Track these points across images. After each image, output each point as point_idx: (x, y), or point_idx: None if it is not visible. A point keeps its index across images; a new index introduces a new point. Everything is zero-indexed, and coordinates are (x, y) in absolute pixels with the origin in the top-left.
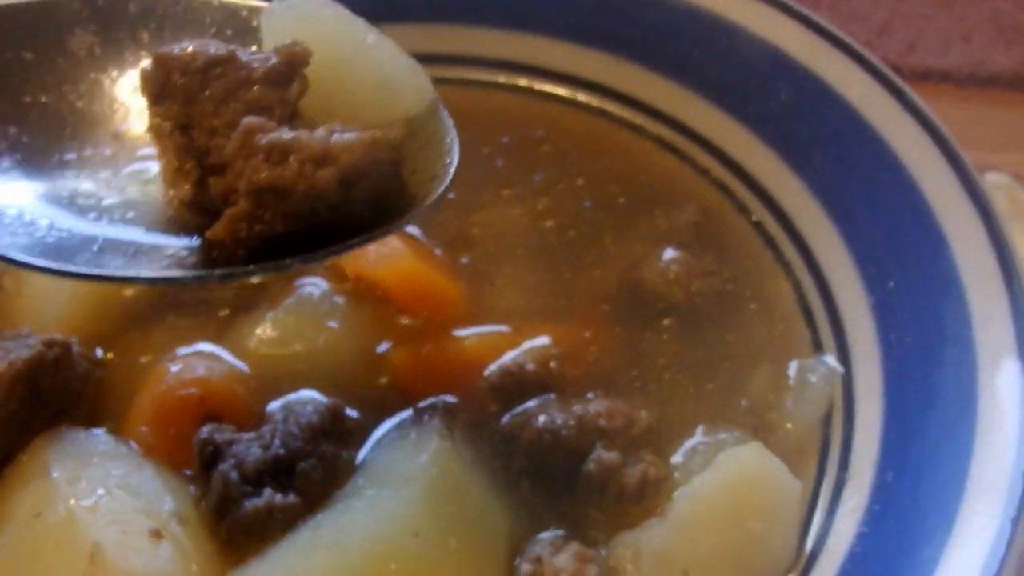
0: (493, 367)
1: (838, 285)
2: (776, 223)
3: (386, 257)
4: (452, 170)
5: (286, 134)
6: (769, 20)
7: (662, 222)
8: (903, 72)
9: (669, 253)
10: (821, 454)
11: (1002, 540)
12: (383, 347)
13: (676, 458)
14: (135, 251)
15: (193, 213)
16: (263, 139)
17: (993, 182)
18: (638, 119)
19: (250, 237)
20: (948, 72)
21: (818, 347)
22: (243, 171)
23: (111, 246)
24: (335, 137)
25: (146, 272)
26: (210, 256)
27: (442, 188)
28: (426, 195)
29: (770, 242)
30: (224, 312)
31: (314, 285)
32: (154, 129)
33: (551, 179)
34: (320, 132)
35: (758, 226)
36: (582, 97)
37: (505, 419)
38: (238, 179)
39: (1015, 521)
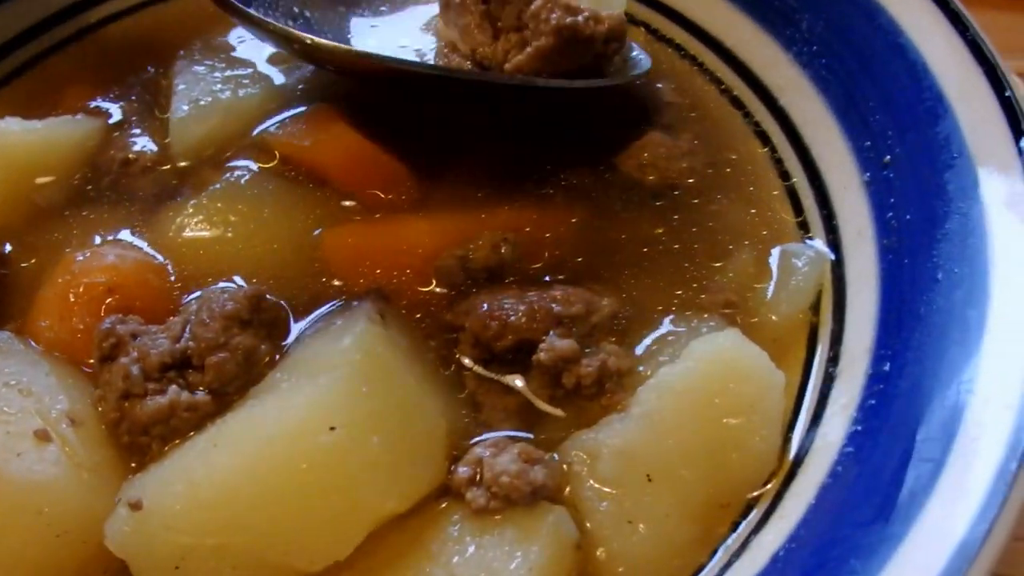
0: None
1: (826, 162)
2: (758, 99)
3: (324, 131)
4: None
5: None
6: None
7: (638, 104)
8: None
9: (646, 136)
10: (808, 347)
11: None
12: (319, 231)
13: (643, 348)
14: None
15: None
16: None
17: None
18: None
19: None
20: None
21: (805, 230)
22: (547, 19)
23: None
24: (604, 11)
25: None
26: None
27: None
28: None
29: (751, 119)
30: (145, 203)
31: (244, 169)
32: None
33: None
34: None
35: (737, 102)
36: None
37: (451, 307)
38: (541, 26)
39: None
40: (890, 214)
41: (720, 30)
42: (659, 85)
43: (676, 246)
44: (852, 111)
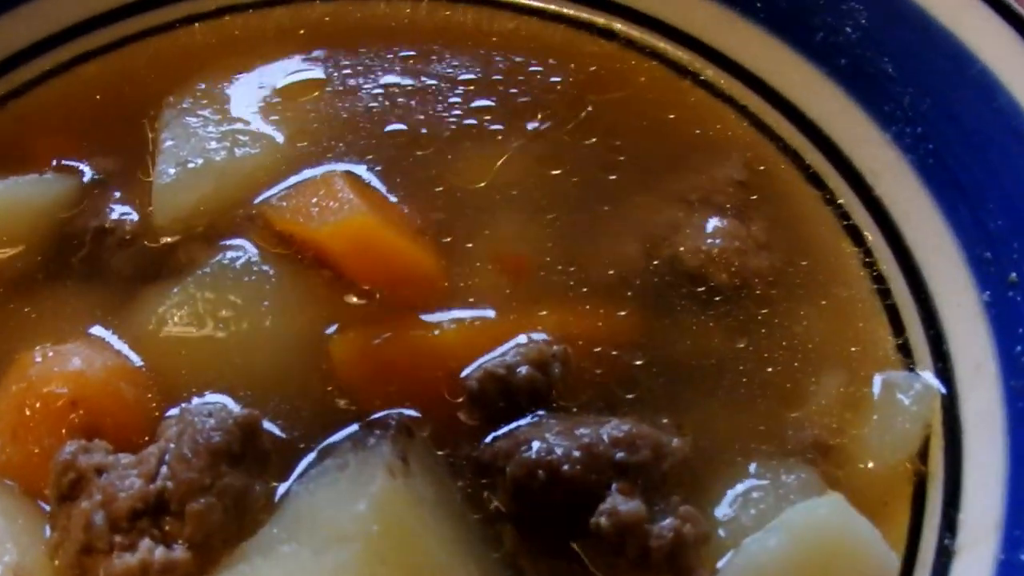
0: (472, 368)
1: (934, 272)
2: (847, 184)
3: (333, 212)
4: None
5: None
6: None
7: (699, 179)
8: None
9: (711, 221)
10: (914, 508)
11: None
12: (326, 334)
13: (722, 508)
14: None
15: None
16: None
17: None
18: (667, 47)
19: None
20: None
21: (907, 355)
22: None
23: None
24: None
25: None
26: None
27: None
28: None
29: (838, 208)
30: (121, 286)
31: (240, 249)
32: None
33: (558, 120)
34: None
35: (822, 186)
36: (599, 19)
37: (485, 442)
38: None
39: None
40: (1019, 347)
41: (801, 98)
42: (728, 158)
43: (751, 365)
44: (966, 211)
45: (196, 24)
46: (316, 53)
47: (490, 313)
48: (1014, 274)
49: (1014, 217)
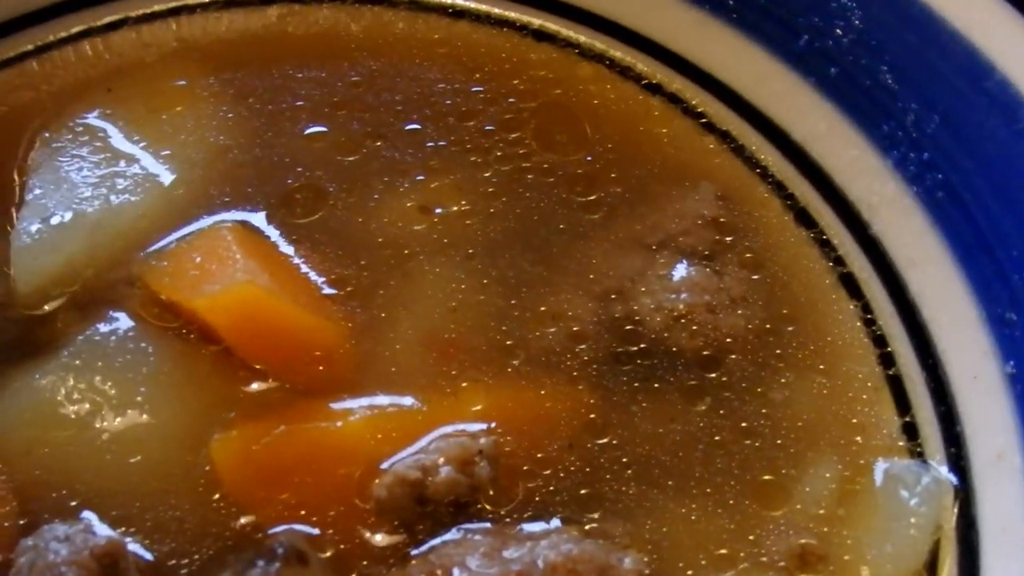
0: (385, 469)
1: (945, 334)
2: (841, 222)
3: (214, 277)
4: None
5: None
6: None
7: (662, 216)
8: None
9: (677, 270)
10: None
11: None
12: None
13: None
14: None
15: None
16: None
17: None
18: (624, 55)
19: None
20: None
21: (912, 437)
22: None
23: None
24: None
25: None
26: None
27: None
28: None
29: (831, 250)
30: None
31: (114, 322)
32: None
33: (497, 148)
34: None
35: (810, 223)
36: (545, 23)
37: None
38: None
39: None
40: None
41: (783, 116)
42: (696, 189)
43: (723, 454)
44: (984, 259)
45: (85, 41)
46: (219, 75)
47: (407, 400)
48: None
49: None
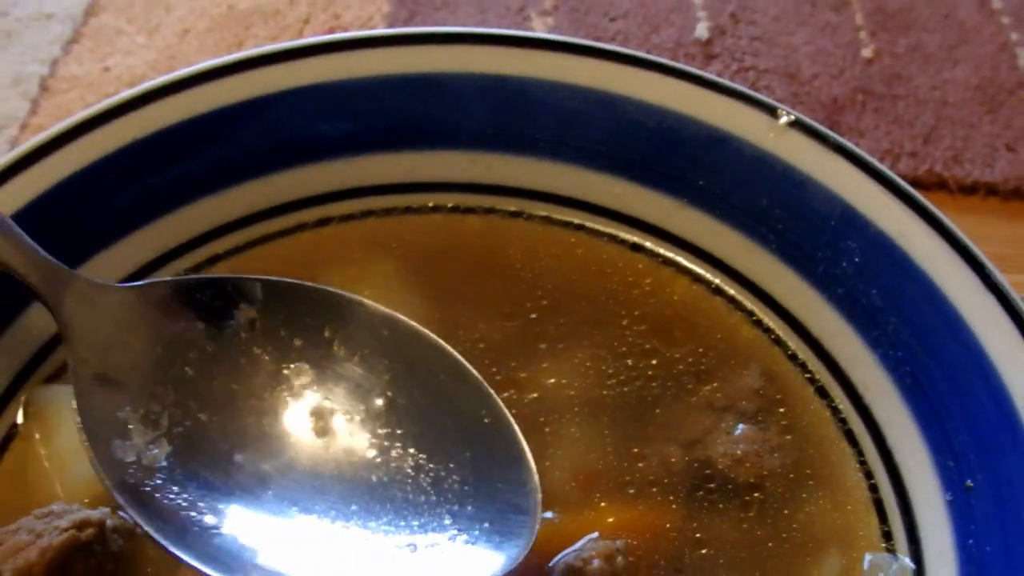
0: (554, 563)
1: (910, 472)
2: (844, 394)
3: None
4: None
5: None
6: (843, 174)
7: (725, 388)
8: (950, 186)
9: (738, 428)
10: None
11: None
12: None
13: None
14: None
15: None
16: None
17: None
18: (693, 266)
19: None
20: (994, 185)
21: (887, 538)
22: None
23: None
24: None
25: None
26: None
27: None
28: None
29: (838, 414)
30: None
31: None
32: None
33: (603, 333)
34: None
35: (825, 395)
36: (639, 240)
37: None
38: None
39: None
40: (971, 541)
41: (807, 317)
42: (749, 368)
43: (766, 549)
44: (936, 425)
45: None
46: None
47: (549, 515)
48: (970, 481)
49: (974, 435)
